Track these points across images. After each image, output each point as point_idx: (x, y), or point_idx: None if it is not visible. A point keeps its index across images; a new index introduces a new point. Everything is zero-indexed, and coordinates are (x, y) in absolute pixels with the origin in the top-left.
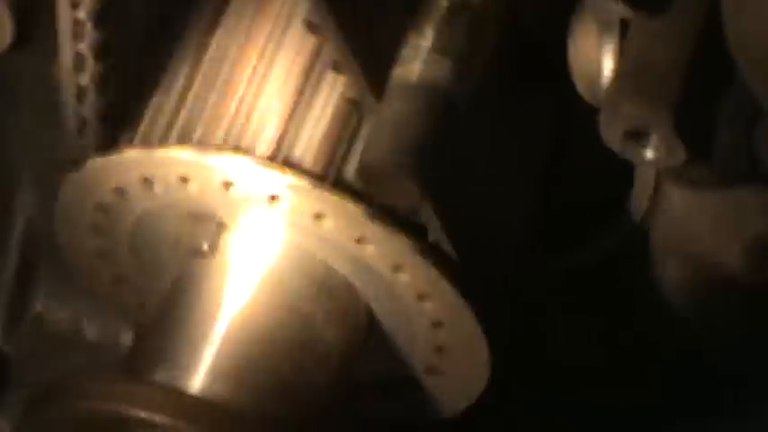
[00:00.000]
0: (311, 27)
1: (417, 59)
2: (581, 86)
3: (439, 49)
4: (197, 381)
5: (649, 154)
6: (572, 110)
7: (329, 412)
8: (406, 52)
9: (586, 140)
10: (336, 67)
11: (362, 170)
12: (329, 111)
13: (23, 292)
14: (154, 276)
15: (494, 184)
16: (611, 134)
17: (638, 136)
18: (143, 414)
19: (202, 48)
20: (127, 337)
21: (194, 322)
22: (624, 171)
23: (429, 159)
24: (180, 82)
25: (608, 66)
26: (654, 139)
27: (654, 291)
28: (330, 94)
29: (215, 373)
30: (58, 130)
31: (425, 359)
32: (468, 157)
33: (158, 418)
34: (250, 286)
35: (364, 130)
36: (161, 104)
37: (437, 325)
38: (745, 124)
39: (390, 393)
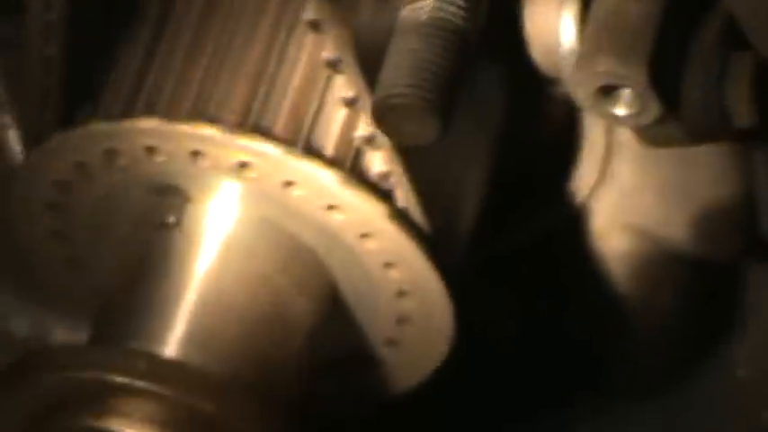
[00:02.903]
0: None
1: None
2: (538, 56)
3: None
4: (169, 352)
5: (622, 110)
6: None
7: (297, 384)
8: None
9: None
10: (313, 26)
11: (379, 106)
12: (298, 74)
13: None
14: (115, 255)
15: (454, 154)
16: (584, 91)
17: (610, 92)
18: (124, 379)
19: (164, 17)
20: (58, 335)
21: (163, 295)
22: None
23: (449, 95)
24: (142, 52)
25: (568, 32)
26: (627, 94)
27: (592, 270)
28: (298, 55)
29: (187, 345)
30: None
31: (386, 331)
32: None
33: (139, 384)
34: (218, 257)
35: (335, 94)
36: (123, 75)
37: (401, 294)
38: (716, 80)
39: (345, 369)
